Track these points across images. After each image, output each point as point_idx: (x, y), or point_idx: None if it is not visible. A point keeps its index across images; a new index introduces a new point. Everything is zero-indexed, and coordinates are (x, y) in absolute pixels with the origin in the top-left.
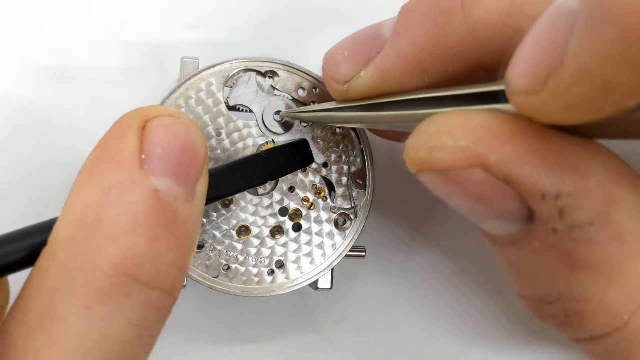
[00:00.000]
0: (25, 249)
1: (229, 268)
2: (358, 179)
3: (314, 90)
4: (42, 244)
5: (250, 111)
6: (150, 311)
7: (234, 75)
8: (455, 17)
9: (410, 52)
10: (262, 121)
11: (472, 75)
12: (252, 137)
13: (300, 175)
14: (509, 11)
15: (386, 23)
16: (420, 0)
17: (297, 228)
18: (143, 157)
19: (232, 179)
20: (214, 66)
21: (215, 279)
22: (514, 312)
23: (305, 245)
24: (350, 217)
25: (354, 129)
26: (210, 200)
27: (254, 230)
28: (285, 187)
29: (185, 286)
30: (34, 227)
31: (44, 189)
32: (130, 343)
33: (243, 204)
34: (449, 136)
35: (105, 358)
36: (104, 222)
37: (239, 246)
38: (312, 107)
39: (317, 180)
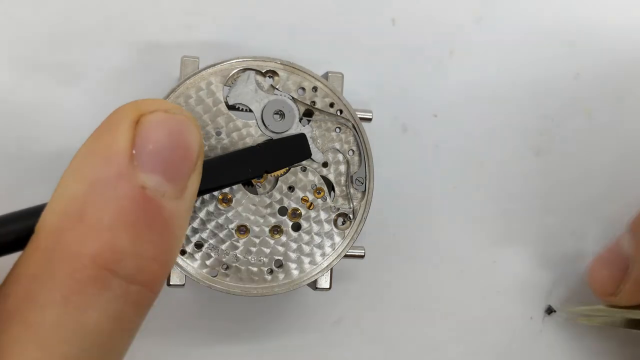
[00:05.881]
0: (15, 231)
1: (228, 267)
2: (357, 179)
3: (313, 90)
4: (33, 227)
5: (250, 110)
6: (129, 305)
7: (233, 74)
8: None
9: None
10: (261, 120)
11: None
12: (251, 136)
13: (299, 174)
14: None
15: (625, 240)
16: None
17: (297, 227)
18: (134, 152)
19: (226, 171)
20: (213, 65)
21: (214, 278)
22: (514, 312)
23: (304, 245)
24: (350, 217)
25: (355, 128)
26: (203, 191)
27: (253, 229)
28: (284, 187)
29: (184, 285)
30: (25, 211)
31: (43, 188)
32: (108, 334)
33: (243, 203)
34: None
35: (82, 347)
36: (88, 215)
37: (238, 245)
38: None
39: (317, 179)
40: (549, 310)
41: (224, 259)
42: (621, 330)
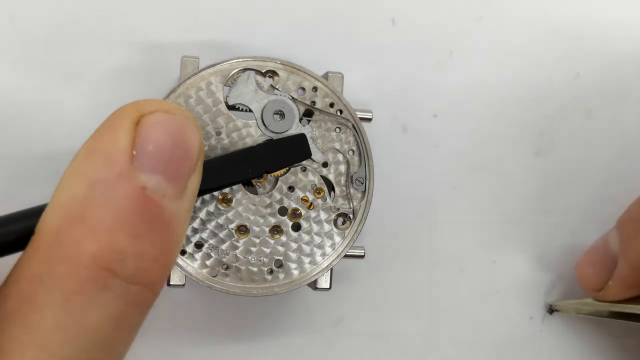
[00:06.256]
0: (16, 232)
1: (228, 267)
2: (357, 179)
3: (313, 90)
4: (33, 227)
5: (250, 110)
6: (130, 305)
7: (233, 74)
8: None
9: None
10: (260, 120)
11: None
12: (251, 136)
13: (299, 174)
14: None
15: (611, 237)
16: (634, 218)
17: (297, 228)
18: (134, 152)
19: (226, 171)
20: (213, 65)
21: (214, 278)
22: (514, 312)
23: (304, 245)
24: (350, 217)
25: (355, 128)
26: (203, 191)
27: (254, 229)
28: (284, 187)
29: (184, 285)
30: (25, 211)
31: (44, 189)
32: (109, 335)
33: (243, 203)
34: None
35: (82, 348)
36: (88, 216)
37: (238, 245)
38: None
39: (317, 180)
40: (551, 310)
41: (224, 259)
42: (621, 328)
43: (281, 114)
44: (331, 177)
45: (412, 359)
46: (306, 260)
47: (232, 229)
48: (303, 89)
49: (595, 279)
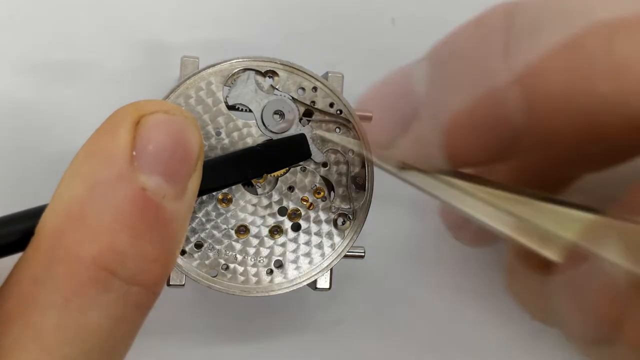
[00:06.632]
0: (16, 233)
1: (227, 267)
2: (357, 179)
3: (313, 90)
4: (33, 228)
5: (250, 110)
6: (130, 306)
7: (233, 74)
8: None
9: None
10: (260, 120)
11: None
12: (251, 136)
13: (299, 174)
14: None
15: (417, 73)
16: (454, 46)
17: (296, 228)
18: (134, 153)
19: (226, 171)
20: (213, 65)
21: (214, 278)
22: (514, 313)
23: (304, 245)
24: (349, 217)
25: (355, 128)
26: (203, 191)
27: (253, 229)
28: (284, 187)
29: (183, 285)
30: (25, 212)
31: (44, 189)
32: (109, 335)
33: (242, 203)
34: None
35: (83, 348)
36: (88, 217)
37: (238, 246)
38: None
39: (317, 180)
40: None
41: (223, 259)
42: None
43: (281, 114)
44: (331, 177)
45: (412, 359)
46: (306, 260)
47: (232, 229)
48: (303, 89)
49: (379, 131)
